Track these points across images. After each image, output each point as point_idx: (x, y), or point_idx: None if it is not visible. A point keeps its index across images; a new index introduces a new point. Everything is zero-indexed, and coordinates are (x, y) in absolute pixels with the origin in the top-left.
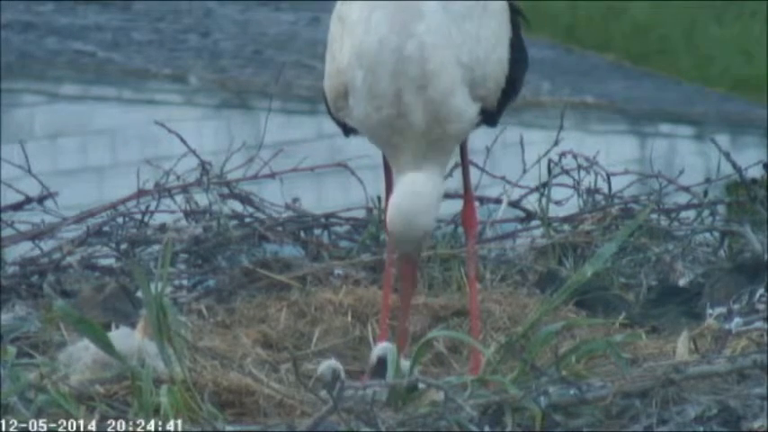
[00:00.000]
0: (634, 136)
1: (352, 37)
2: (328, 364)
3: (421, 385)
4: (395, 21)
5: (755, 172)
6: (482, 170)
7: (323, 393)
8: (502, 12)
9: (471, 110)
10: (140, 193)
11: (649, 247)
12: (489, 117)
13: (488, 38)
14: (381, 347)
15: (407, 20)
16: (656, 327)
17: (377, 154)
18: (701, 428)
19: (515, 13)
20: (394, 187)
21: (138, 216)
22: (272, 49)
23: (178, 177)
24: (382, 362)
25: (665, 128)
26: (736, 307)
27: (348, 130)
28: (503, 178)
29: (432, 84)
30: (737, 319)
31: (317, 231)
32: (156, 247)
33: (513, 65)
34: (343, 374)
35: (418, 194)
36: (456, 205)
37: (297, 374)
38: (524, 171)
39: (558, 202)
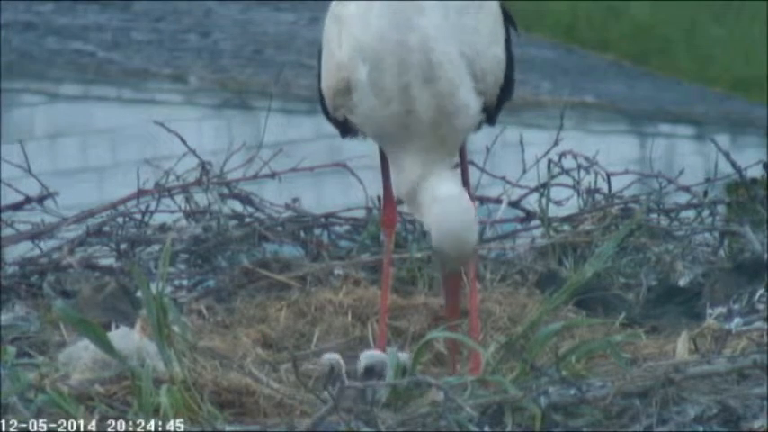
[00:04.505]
0: (634, 136)
1: (351, 33)
2: (328, 358)
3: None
4: (395, 16)
5: (755, 172)
6: (482, 170)
7: (323, 393)
8: (496, 11)
9: (475, 103)
10: (140, 193)
11: (649, 247)
12: (488, 114)
13: (486, 34)
14: (368, 355)
15: (408, 15)
16: (656, 327)
17: (376, 154)
18: (701, 428)
19: (507, 18)
20: (421, 198)
21: (138, 216)
22: (272, 49)
23: (178, 177)
24: (334, 370)
25: (665, 128)
26: (735, 307)
27: (345, 131)
28: (503, 178)
29: (439, 76)
30: (737, 319)
31: (316, 231)
32: (156, 247)
33: (509, 64)
34: (343, 369)
35: (465, 210)
36: None
37: (297, 374)
38: (524, 171)
39: (558, 202)
